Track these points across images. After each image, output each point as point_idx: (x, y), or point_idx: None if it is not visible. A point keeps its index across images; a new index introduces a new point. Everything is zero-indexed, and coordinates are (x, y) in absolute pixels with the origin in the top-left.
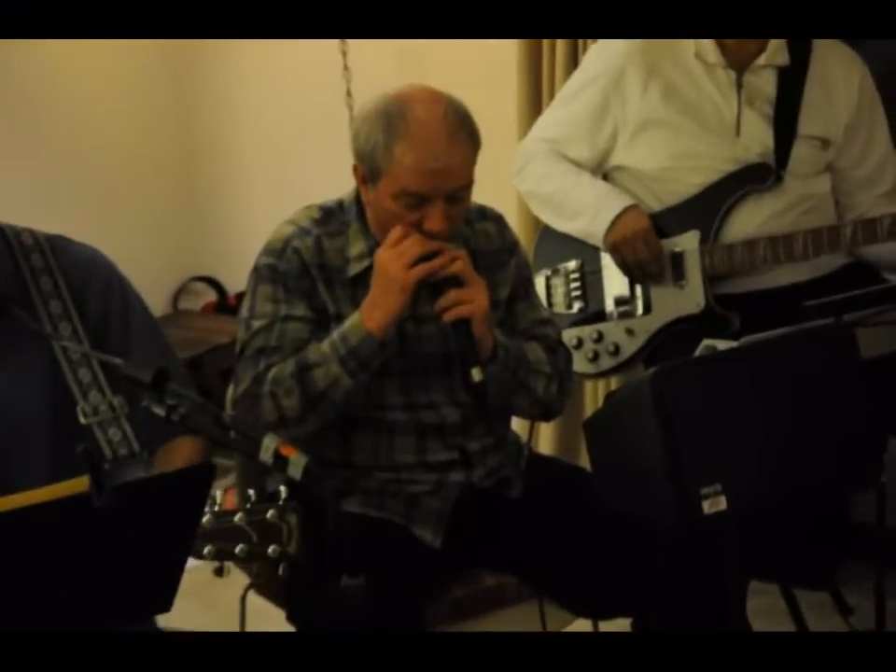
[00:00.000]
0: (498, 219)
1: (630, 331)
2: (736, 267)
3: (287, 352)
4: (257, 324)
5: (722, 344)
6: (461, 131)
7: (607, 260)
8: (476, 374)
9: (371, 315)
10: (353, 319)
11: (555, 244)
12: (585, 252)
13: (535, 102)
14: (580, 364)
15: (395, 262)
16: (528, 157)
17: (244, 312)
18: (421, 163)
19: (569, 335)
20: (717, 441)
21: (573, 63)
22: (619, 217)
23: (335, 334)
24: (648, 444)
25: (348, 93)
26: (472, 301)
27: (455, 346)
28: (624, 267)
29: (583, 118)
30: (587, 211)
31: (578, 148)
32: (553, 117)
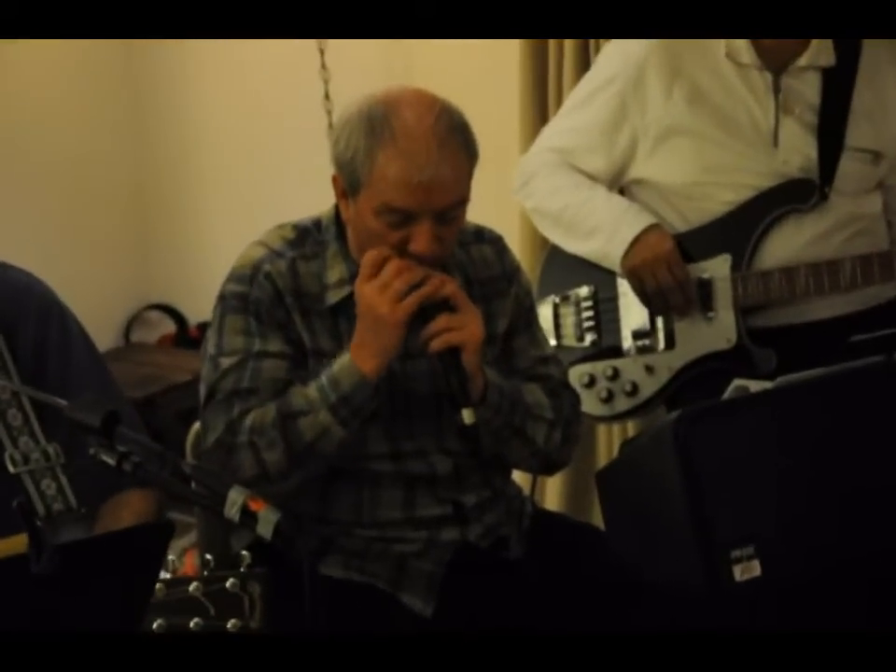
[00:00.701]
0: (497, 242)
1: (650, 369)
2: (773, 297)
3: (265, 394)
4: (226, 362)
5: (756, 385)
6: (455, 140)
7: (624, 287)
8: (468, 416)
9: (362, 355)
10: (342, 361)
11: (565, 267)
12: (599, 277)
13: (540, 108)
14: (592, 405)
15: (379, 297)
16: (534, 169)
17: (210, 348)
18: (406, 175)
19: (580, 371)
20: (749, 497)
21: (583, 64)
22: (639, 237)
23: (323, 378)
24: (670, 500)
25: (326, 96)
26: (464, 327)
27: (444, 384)
28: (644, 295)
29: (598, 125)
30: (602, 230)
31: (591, 159)
32: (562, 124)
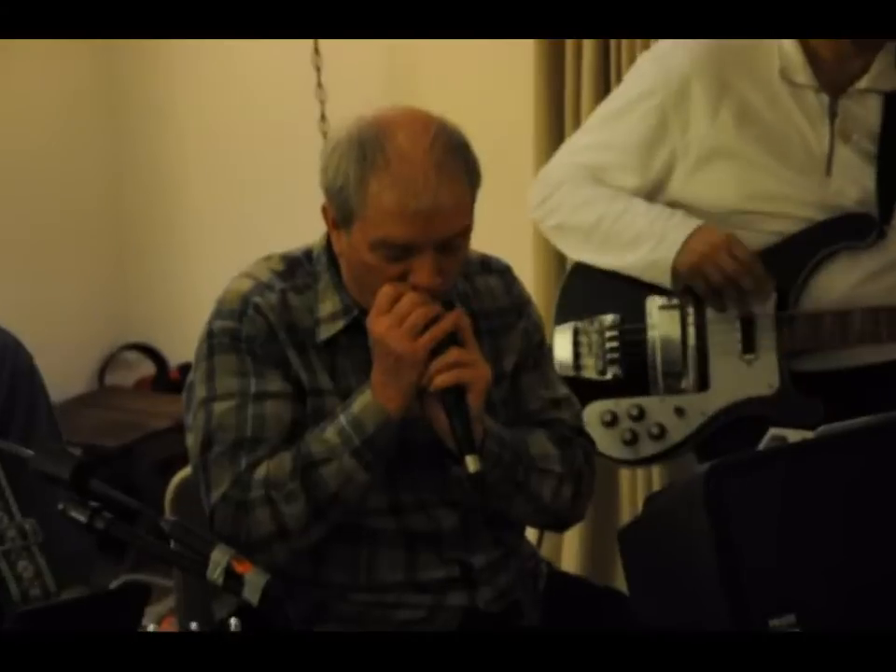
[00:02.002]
0: (505, 273)
1: (680, 411)
2: (824, 342)
3: (273, 441)
4: (222, 407)
5: (795, 435)
6: (454, 162)
7: (656, 317)
8: (472, 464)
9: (386, 394)
10: (364, 401)
11: (588, 290)
12: (627, 303)
13: (555, 120)
14: (613, 447)
15: (395, 334)
16: (559, 181)
17: (199, 392)
18: (402, 204)
19: (601, 408)
20: (790, 560)
21: (603, 69)
22: (692, 235)
23: (342, 420)
24: (701, 562)
25: (322, 118)
26: (474, 365)
27: (448, 428)
28: (711, 294)
29: (633, 141)
30: (647, 237)
31: (623, 178)
32: (591, 138)
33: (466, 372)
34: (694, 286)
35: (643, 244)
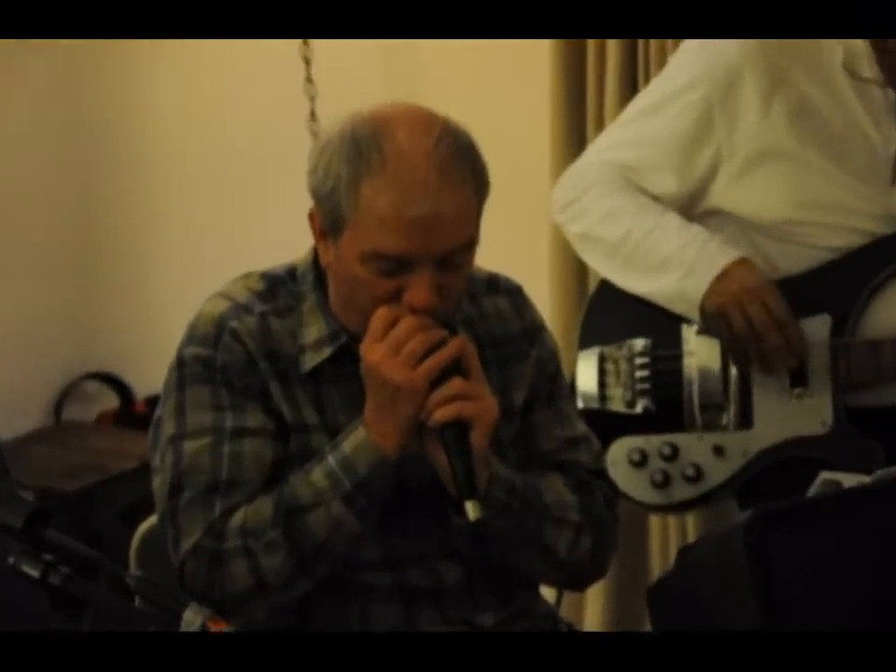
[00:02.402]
0: (515, 293)
1: (719, 450)
2: (884, 374)
3: (252, 484)
4: (193, 445)
5: (849, 479)
6: (459, 167)
7: (693, 343)
8: (472, 510)
9: (381, 431)
10: (356, 440)
11: (616, 312)
12: (660, 327)
13: (575, 125)
14: (642, 490)
15: (391, 362)
16: (585, 185)
17: (168, 428)
18: (399, 210)
19: (629, 445)
20: (840, 621)
21: (630, 69)
22: (725, 271)
23: (331, 461)
24: (741, 623)
25: (312, 116)
26: (480, 398)
27: (444, 468)
28: (733, 344)
29: (673, 138)
30: (677, 263)
31: (660, 180)
32: (623, 134)
33: (469, 406)
34: (716, 327)
35: (671, 271)
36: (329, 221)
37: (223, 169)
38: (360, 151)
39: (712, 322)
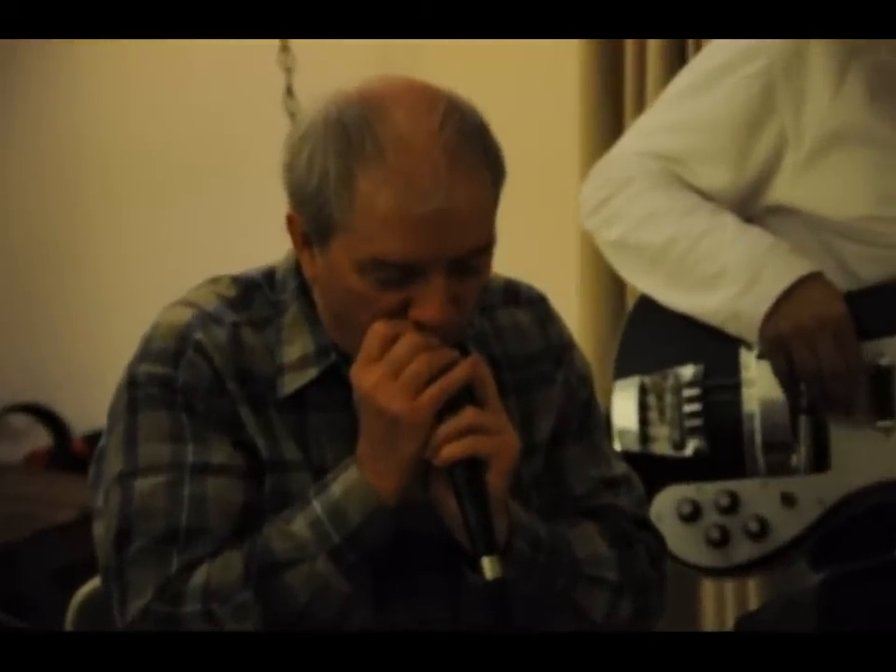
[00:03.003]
0: (537, 304)
1: (789, 500)
2: None
3: (217, 533)
4: (146, 485)
5: None
6: (470, 150)
7: (754, 370)
8: (490, 568)
9: (377, 472)
10: (347, 481)
11: (660, 334)
12: (714, 351)
13: (611, 125)
14: (694, 549)
15: (390, 389)
16: (620, 182)
17: (116, 462)
18: (404, 208)
19: (678, 496)
20: None
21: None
22: (792, 289)
23: (316, 507)
24: None
25: (289, 91)
26: (499, 432)
27: (455, 518)
28: (789, 380)
29: (726, 119)
30: (734, 275)
31: (711, 172)
32: (666, 118)
33: (485, 441)
34: (773, 358)
35: (725, 285)
36: (314, 227)
37: (166, 183)
38: (350, 138)
39: (770, 350)
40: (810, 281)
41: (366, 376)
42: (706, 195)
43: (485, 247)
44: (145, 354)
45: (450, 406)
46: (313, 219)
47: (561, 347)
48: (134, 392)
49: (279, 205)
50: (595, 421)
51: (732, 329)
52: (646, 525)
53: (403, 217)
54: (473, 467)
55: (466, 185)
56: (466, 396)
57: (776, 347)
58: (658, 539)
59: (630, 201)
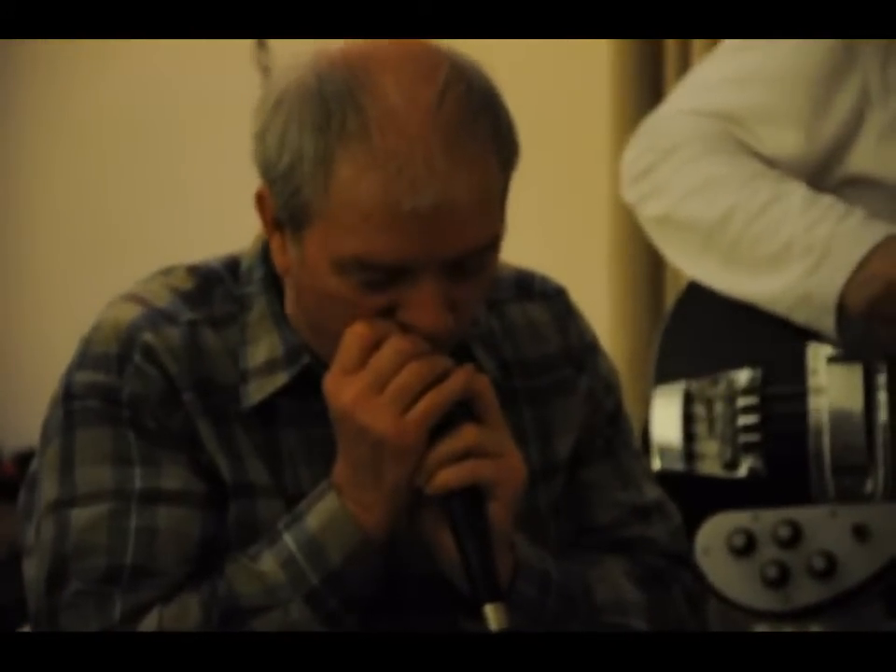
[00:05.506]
0: (555, 298)
1: (862, 532)
2: None
3: (172, 575)
4: (85, 515)
5: None
6: (476, 129)
7: (823, 375)
8: (494, 616)
9: (360, 499)
10: (325, 509)
11: (709, 330)
12: (774, 352)
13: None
14: (748, 589)
15: (372, 405)
16: (668, 147)
17: (50, 489)
18: (392, 200)
19: (729, 525)
20: None
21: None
22: (872, 255)
23: (289, 541)
24: None
25: (261, 45)
26: (503, 454)
27: (456, 558)
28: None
29: (798, 73)
30: (802, 250)
31: (779, 134)
32: (725, 70)
33: (485, 466)
34: (871, 332)
35: (793, 262)
36: (287, 211)
37: (103, 181)
38: (330, 112)
39: (861, 320)
40: (891, 243)
41: (344, 389)
42: (771, 163)
43: (489, 245)
44: (83, 359)
45: (444, 424)
46: (285, 202)
47: (582, 349)
48: (71, 405)
49: (242, 187)
50: (624, 437)
51: (801, 317)
52: (683, 562)
53: (390, 212)
54: (472, 497)
55: (466, 173)
56: (462, 412)
57: (867, 313)
58: (697, 576)
59: (678, 169)
